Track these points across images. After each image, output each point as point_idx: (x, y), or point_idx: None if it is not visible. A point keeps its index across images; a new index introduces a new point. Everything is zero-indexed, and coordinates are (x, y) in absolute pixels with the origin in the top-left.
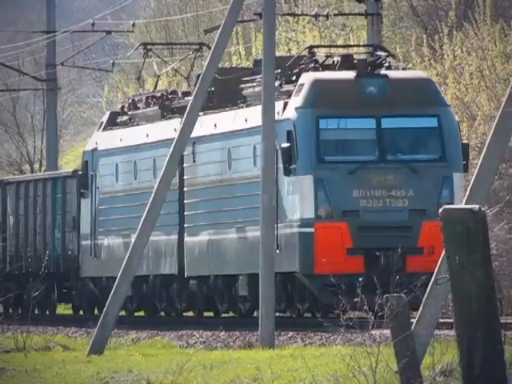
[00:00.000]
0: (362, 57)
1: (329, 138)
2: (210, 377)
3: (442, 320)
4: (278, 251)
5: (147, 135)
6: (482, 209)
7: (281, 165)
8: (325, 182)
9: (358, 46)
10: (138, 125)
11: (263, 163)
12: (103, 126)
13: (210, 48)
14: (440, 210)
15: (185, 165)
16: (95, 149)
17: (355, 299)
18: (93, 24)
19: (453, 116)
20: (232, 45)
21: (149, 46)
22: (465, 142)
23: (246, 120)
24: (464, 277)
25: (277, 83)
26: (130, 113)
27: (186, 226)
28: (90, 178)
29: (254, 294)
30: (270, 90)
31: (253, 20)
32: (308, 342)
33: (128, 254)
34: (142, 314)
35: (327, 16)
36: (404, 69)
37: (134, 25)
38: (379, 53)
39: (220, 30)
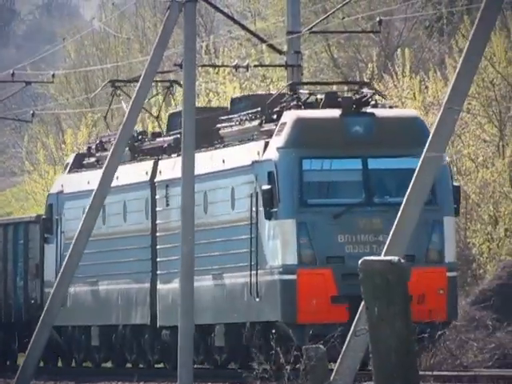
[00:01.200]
0: (347, 95)
1: (312, 180)
2: None
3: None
4: (257, 299)
5: (117, 178)
6: (402, 260)
7: (261, 208)
8: (308, 227)
9: (343, 83)
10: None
11: (182, 216)
12: (69, 167)
13: (181, 86)
14: (360, 262)
15: (157, 209)
16: (60, 192)
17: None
18: (12, 74)
19: (443, 156)
20: (152, 95)
21: (117, 84)
22: (456, 184)
23: (223, 161)
24: (383, 329)
25: (256, 122)
26: (97, 154)
27: (158, 273)
28: (54, 222)
29: (231, 345)
30: (190, 141)
31: (173, 71)
32: None
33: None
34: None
35: (247, 67)
36: (391, 107)
37: (53, 75)
38: (365, 90)
39: (140, 80)
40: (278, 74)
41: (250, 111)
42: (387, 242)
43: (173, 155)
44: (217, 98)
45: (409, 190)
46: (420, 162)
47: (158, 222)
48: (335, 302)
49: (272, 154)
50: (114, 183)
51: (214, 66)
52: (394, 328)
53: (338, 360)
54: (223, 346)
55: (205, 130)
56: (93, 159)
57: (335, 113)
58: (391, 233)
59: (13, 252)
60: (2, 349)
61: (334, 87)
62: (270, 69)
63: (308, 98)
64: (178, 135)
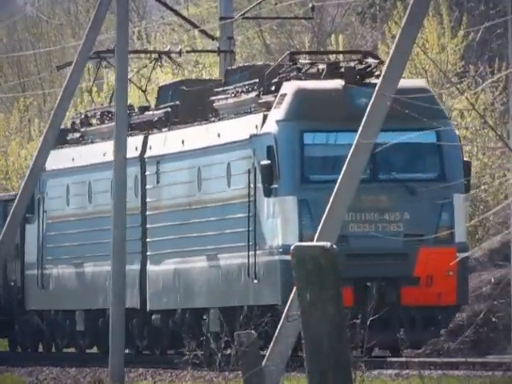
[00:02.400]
0: (351, 64)
1: (314, 155)
2: None
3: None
4: (255, 281)
5: (104, 154)
6: (334, 246)
7: (260, 184)
8: (310, 204)
9: (345, 52)
10: (92, 143)
11: (115, 197)
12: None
13: (170, 58)
14: (292, 247)
15: (147, 186)
16: (43, 169)
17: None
18: None
19: (453, 130)
20: (84, 81)
21: (102, 55)
22: (467, 159)
23: (218, 135)
24: (315, 314)
25: (254, 94)
26: (82, 130)
27: (149, 254)
28: (36, 201)
29: (228, 330)
30: (122, 124)
31: (106, 56)
32: (158, 378)
33: None
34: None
35: (180, 53)
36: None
37: None
38: (369, 60)
39: (73, 65)
40: (210, 60)
41: (246, 82)
42: (319, 228)
43: (163, 129)
44: (149, 84)
45: (340, 177)
46: (352, 149)
47: (148, 200)
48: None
49: (271, 127)
50: (101, 159)
51: (145, 51)
52: (325, 313)
53: (270, 345)
54: (218, 331)
55: (197, 102)
56: (77, 135)
57: (338, 84)
58: (324, 217)
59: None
60: None
61: (338, 57)
62: (202, 54)
63: (309, 69)
64: (169, 108)
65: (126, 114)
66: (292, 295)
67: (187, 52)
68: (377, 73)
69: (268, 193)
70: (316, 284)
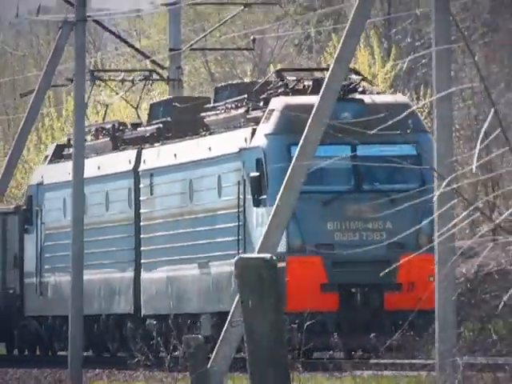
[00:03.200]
0: None
1: None
2: None
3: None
4: None
5: (98, 167)
6: (274, 258)
7: (249, 195)
8: (297, 214)
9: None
10: (87, 157)
11: (73, 215)
12: (48, 159)
13: (159, 75)
14: (235, 259)
15: (141, 198)
16: (40, 183)
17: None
18: None
19: (432, 142)
20: (45, 107)
21: (96, 74)
22: None
23: (209, 149)
24: (257, 320)
25: (243, 109)
26: None
27: (142, 261)
28: (34, 213)
29: (218, 334)
30: (80, 146)
31: (65, 85)
32: (113, 378)
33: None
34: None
35: (132, 81)
36: (379, 93)
37: None
38: (352, 76)
39: (35, 93)
40: (161, 88)
41: (235, 99)
42: (260, 241)
43: (156, 144)
44: (103, 110)
45: (279, 195)
46: (290, 167)
47: (142, 211)
48: (325, 290)
49: (260, 140)
50: (96, 173)
51: (102, 79)
52: (266, 319)
53: (215, 349)
54: (209, 336)
55: (188, 118)
56: (73, 150)
57: None
58: (266, 229)
59: None
60: None
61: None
62: (153, 82)
63: (295, 85)
64: (161, 124)
65: (84, 137)
66: (235, 302)
67: (139, 80)
68: (360, 89)
69: (257, 203)
70: (258, 292)
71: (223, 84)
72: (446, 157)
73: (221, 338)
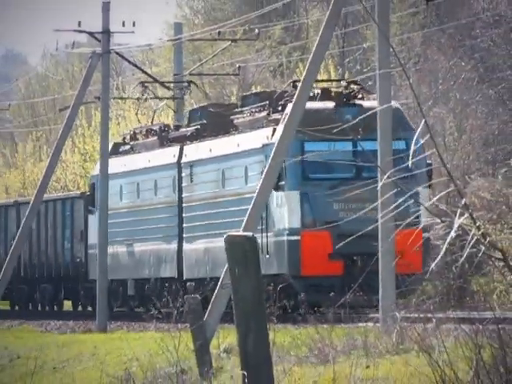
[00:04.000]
0: (339, 90)
1: (312, 159)
2: (62, 352)
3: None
4: (267, 256)
5: (149, 161)
6: (254, 235)
7: None
8: (309, 197)
9: (334, 80)
10: (139, 152)
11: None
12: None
13: (197, 86)
14: (224, 236)
15: (183, 184)
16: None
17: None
18: None
19: (419, 139)
20: (78, 119)
21: (146, 84)
22: (429, 162)
23: (238, 145)
24: (242, 283)
25: (265, 113)
26: (131, 143)
27: (184, 236)
28: (96, 197)
29: None
30: (105, 155)
31: (93, 102)
32: (131, 329)
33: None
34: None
35: (146, 99)
36: (375, 99)
37: (9, 105)
38: (353, 86)
39: (70, 108)
40: (167, 105)
41: (258, 104)
42: (243, 222)
43: (195, 141)
44: (124, 122)
45: (260, 184)
46: (273, 150)
47: (183, 195)
48: (332, 258)
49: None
50: (146, 165)
51: (122, 98)
52: (249, 283)
53: (210, 305)
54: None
55: (220, 121)
56: (127, 147)
57: (330, 104)
58: (247, 215)
59: (62, 222)
60: (53, 298)
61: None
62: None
63: None
64: (199, 126)
65: (108, 147)
66: (224, 270)
67: (151, 99)
68: (359, 96)
69: (277, 188)
70: (242, 262)
71: (248, 93)
72: (387, 155)
73: (214, 297)
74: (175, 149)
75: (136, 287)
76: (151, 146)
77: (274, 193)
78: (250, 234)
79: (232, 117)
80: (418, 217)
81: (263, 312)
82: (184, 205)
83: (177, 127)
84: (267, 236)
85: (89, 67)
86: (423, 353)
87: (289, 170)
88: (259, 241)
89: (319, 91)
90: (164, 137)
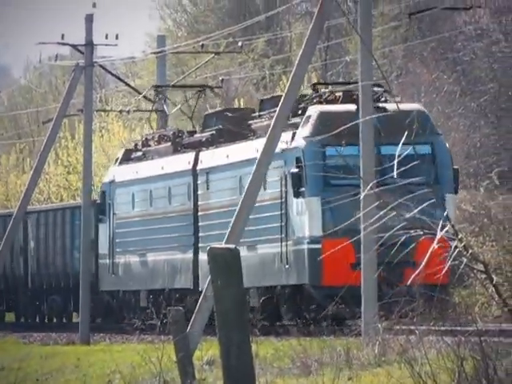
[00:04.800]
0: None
1: (334, 164)
2: (45, 363)
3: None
4: (287, 266)
5: (162, 167)
6: (237, 247)
7: (290, 188)
8: (331, 203)
9: (356, 83)
10: (152, 159)
11: (83, 230)
12: (119, 161)
13: (212, 90)
14: (208, 249)
15: (199, 192)
16: (112, 181)
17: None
18: None
19: (444, 144)
20: (61, 131)
21: (159, 89)
22: (455, 167)
23: (256, 150)
24: (224, 295)
25: None
26: (143, 149)
27: (200, 245)
28: (107, 205)
29: (264, 305)
30: (88, 170)
31: (77, 114)
32: (114, 340)
33: None
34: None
35: (128, 111)
36: (398, 102)
37: None
38: (376, 89)
39: (53, 121)
40: (151, 117)
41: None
42: (226, 234)
43: (211, 147)
44: (108, 135)
45: (243, 196)
46: (252, 173)
47: (199, 203)
48: (354, 268)
49: (299, 142)
50: (160, 172)
51: (105, 110)
52: (231, 295)
53: (192, 317)
54: (256, 306)
55: (237, 126)
56: (139, 153)
57: (352, 107)
58: (230, 228)
59: (70, 231)
60: (61, 309)
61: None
62: (145, 113)
63: (328, 96)
64: (214, 131)
65: (91, 160)
66: (207, 282)
67: (134, 111)
68: (382, 99)
69: (297, 195)
70: (224, 274)
71: (267, 97)
72: (370, 167)
73: (196, 309)
74: (190, 155)
75: (149, 298)
76: (164, 153)
77: (294, 200)
78: (232, 246)
79: (249, 121)
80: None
81: (246, 324)
82: (200, 213)
83: (191, 133)
84: (287, 245)
85: (72, 80)
86: (405, 364)
87: (309, 175)
88: (278, 250)
89: (341, 94)
90: (178, 143)
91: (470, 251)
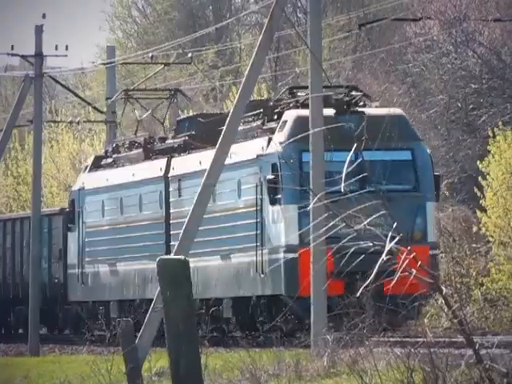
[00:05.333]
0: (339, 96)
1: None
2: None
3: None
4: (262, 275)
5: (133, 174)
6: (186, 258)
7: (265, 196)
8: (308, 211)
9: (335, 86)
10: (122, 166)
11: (32, 243)
12: (88, 168)
13: (184, 95)
14: (157, 260)
15: (171, 199)
16: (82, 188)
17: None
18: None
19: (425, 149)
20: (11, 142)
21: (129, 93)
22: (436, 173)
23: (230, 156)
24: (173, 306)
25: (259, 122)
26: (113, 156)
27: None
28: (76, 214)
29: (237, 316)
30: (38, 182)
31: (26, 125)
32: (63, 351)
33: None
34: None
35: (78, 122)
36: (377, 107)
37: None
38: (354, 93)
39: (3, 132)
40: (100, 127)
41: (252, 113)
42: (176, 245)
43: (183, 154)
44: (57, 146)
45: (192, 207)
46: (200, 187)
47: (171, 211)
48: (332, 277)
49: (275, 148)
50: (130, 179)
51: (55, 121)
52: (180, 306)
53: (141, 329)
54: (230, 317)
55: (210, 131)
56: (109, 160)
57: (330, 112)
58: (180, 237)
59: (38, 240)
60: (25, 320)
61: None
62: (94, 124)
63: (305, 100)
64: (187, 137)
65: (41, 171)
66: (156, 293)
67: (84, 122)
68: (361, 103)
69: (273, 202)
70: (173, 285)
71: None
72: (320, 177)
73: (145, 320)
74: (162, 161)
75: (119, 309)
76: (135, 159)
77: (270, 207)
78: (181, 257)
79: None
80: (425, 233)
81: (195, 335)
82: (172, 221)
83: (162, 139)
84: (262, 254)
85: (22, 90)
86: (355, 376)
87: (286, 182)
88: (253, 259)
89: None
90: (149, 149)
91: (419, 262)
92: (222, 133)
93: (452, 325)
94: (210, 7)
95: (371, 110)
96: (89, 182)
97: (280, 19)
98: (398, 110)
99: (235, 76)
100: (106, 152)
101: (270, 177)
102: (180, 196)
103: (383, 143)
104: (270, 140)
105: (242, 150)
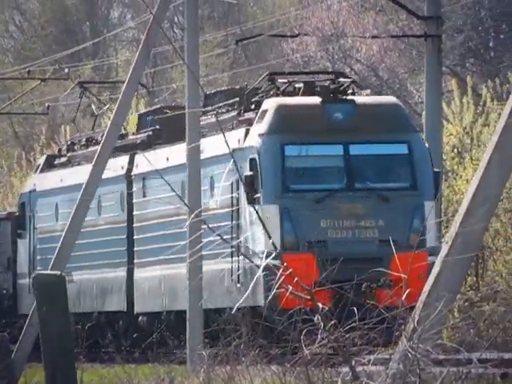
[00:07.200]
0: (325, 83)
1: (294, 166)
2: None
3: None
4: (238, 285)
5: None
6: (63, 274)
7: (242, 195)
8: (291, 212)
9: (319, 73)
10: (78, 165)
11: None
12: (40, 168)
13: (147, 88)
14: (33, 275)
15: (134, 200)
16: (33, 190)
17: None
18: None
19: (423, 142)
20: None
21: (85, 85)
22: (436, 169)
23: (201, 151)
24: (49, 322)
25: (235, 112)
26: (68, 154)
27: (136, 261)
28: (27, 218)
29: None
30: None
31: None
32: None
33: None
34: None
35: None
36: (368, 95)
37: None
38: (341, 79)
39: None
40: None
41: (227, 102)
42: (53, 258)
43: (147, 150)
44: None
45: (71, 218)
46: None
47: (134, 213)
48: (318, 287)
49: (254, 140)
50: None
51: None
52: (56, 321)
53: (17, 343)
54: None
55: (178, 125)
56: (64, 159)
57: (315, 100)
58: (57, 250)
59: None
60: None
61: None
62: None
63: (287, 87)
64: (151, 132)
65: None
66: (33, 307)
67: None
68: (349, 91)
69: (251, 201)
70: (50, 300)
71: (213, 91)
72: (196, 192)
73: (21, 336)
74: (123, 159)
75: (76, 322)
76: (93, 157)
77: (248, 208)
78: (58, 272)
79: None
80: (423, 237)
81: (71, 350)
82: (135, 225)
83: (122, 135)
84: (238, 261)
85: None
86: None
87: (265, 179)
88: (228, 266)
89: (302, 85)
90: None
91: (296, 279)
92: (98, 150)
93: (328, 342)
94: (87, 23)
95: (362, 99)
96: (41, 183)
97: (157, 35)
98: (392, 99)
99: (111, 92)
100: (60, 150)
101: (248, 173)
102: (145, 196)
103: (376, 135)
104: (247, 132)
105: (216, 144)
